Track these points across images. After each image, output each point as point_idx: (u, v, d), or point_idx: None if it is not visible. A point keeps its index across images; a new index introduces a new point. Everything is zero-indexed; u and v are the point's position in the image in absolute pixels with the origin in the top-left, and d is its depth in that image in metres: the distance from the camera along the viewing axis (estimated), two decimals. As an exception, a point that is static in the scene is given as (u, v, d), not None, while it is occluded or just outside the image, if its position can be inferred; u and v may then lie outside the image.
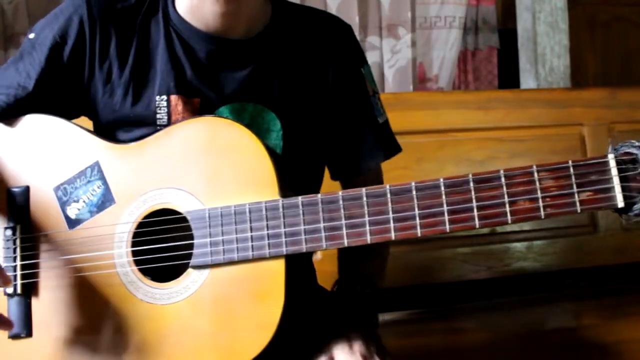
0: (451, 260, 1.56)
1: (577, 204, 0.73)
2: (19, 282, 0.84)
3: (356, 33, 2.55)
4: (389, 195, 0.77)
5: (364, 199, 0.77)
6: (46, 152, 0.87)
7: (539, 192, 0.74)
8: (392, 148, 1.04)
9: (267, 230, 0.78)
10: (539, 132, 1.70)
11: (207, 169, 0.81)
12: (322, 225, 0.77)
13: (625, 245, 1.68)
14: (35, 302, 0.84)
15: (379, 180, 1.06)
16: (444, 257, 1.56)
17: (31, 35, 0.91)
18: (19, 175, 0.87)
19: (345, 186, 1.05)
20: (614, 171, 0.72)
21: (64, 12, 0.90)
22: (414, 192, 0.76)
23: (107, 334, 0.82)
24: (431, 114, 1.66)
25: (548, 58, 2.73)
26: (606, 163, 0.73)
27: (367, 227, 0.77)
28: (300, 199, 0.78)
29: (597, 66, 3.27)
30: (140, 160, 0.84)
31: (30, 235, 0.85)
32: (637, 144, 0.73)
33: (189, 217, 0.81)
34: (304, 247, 0.78)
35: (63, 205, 0.85)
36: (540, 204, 0.74)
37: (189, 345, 0.79)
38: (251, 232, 0.78)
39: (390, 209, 0.76)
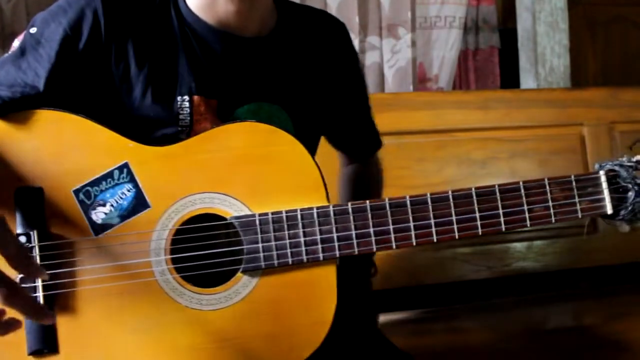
0: (451, 260, 1.56)
1: (579, 211, 0.88)
2: (40, 294, 0.76)
3: (356, 33, 2.58)
4: (429, 203, 0.84)
5: (408, 205, 0.83)
6: (62, 151, 0.80)
7: (550, 201, 0.87)
8: (379, 142, 1.16)
9: (320, 235, 0.81)
10: (539, 132, 1.70)
11: (252, 174, 0.81)
12: (371, 230, 0.82)
13: (625, 245, 1.68)
14: (61, 316, 0.78)
15: (380, 165, 1.19)
16: (444, 257, 1.56)
17: (33, 30, 0.84)
18: (31, 177, 0.78)
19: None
20: (604, 185, 0.88)
21: (73, 5, 0.84)
22: (451, 200, 0.84)
23: (151, 345, 0.78)
24: (431, 114, 1.66)
25: (548, 58, 2.73)
26: (598, 178, 0.88)
27: (412, 232, 0.83)
28: (349, 205, 0.82)
29: (597, 66, 3.27)
30: (177, 163, 0.81)
31: (51, 243, 0.78)
32: (617, 162, 0.88)
33: (236, 223, 0.80)
34: (355, 250, 0.82)
35: (86, 209, 0.79)
36: (552, 211, 0.87)
37: (245, 348, 0.79)
38: (304, 237, 0.81)
39: (431, 215, 0.83)
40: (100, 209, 0.79)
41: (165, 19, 0.88)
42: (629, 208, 0.87)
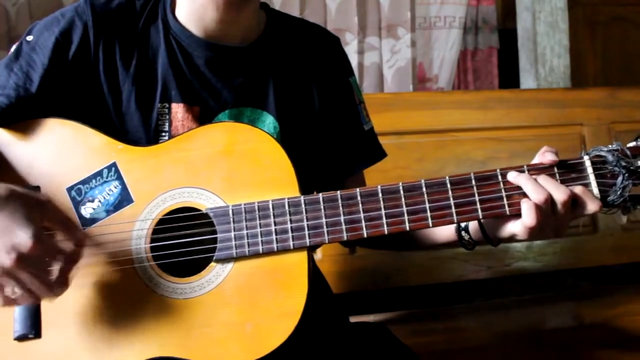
0: (451, 260, 1.56)
1: None
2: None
3: (355, 33, 2.57)
4: (402, 192, 0.84)
5: (380, 195, 0.84)
6: (58, 154, 0.86)
7: None
8: (376, 154, 1.08)
9: (291, 224, 0.83)
10: (539, 132, 1.70)
11: (228, 169, 0.85)
12: (342, 218, 0.84)
13: (625, 245, 1.68)
14: (45, 302, 0.81)
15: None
16: (444, 257, 1.56)
17: (29, 38, 0.90)
18: (30, 176, 0.85)
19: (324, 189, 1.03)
20: (589, 170, 0.85)
21: (66, 15, 0.91)
22: (424, 189, 0.84)
23: (125, 332, 0.82)
24: (431, 114, 1.66)
25: (548, 58, 2.74)
26: (582, 163, 0.85)
27: (384, 220, 0.83)
28: (321, 195, 0.84)
29: (597, 66, 3.27)
30: (159, 160, 0.86)
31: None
32: (604, 148, 0.85)
33: (211, 214, 0.83)
34: (326, 239, 0.83)
35: (77, 205, 0.85)
36: None
37: (214, 337, 0.81)
38: (275, 226, 0.83)
39: (403, 203, 0.84)
40: (89, 204, 0.85)
41: (151, 29, 0.93)
42: (618, 192, 0.83)
